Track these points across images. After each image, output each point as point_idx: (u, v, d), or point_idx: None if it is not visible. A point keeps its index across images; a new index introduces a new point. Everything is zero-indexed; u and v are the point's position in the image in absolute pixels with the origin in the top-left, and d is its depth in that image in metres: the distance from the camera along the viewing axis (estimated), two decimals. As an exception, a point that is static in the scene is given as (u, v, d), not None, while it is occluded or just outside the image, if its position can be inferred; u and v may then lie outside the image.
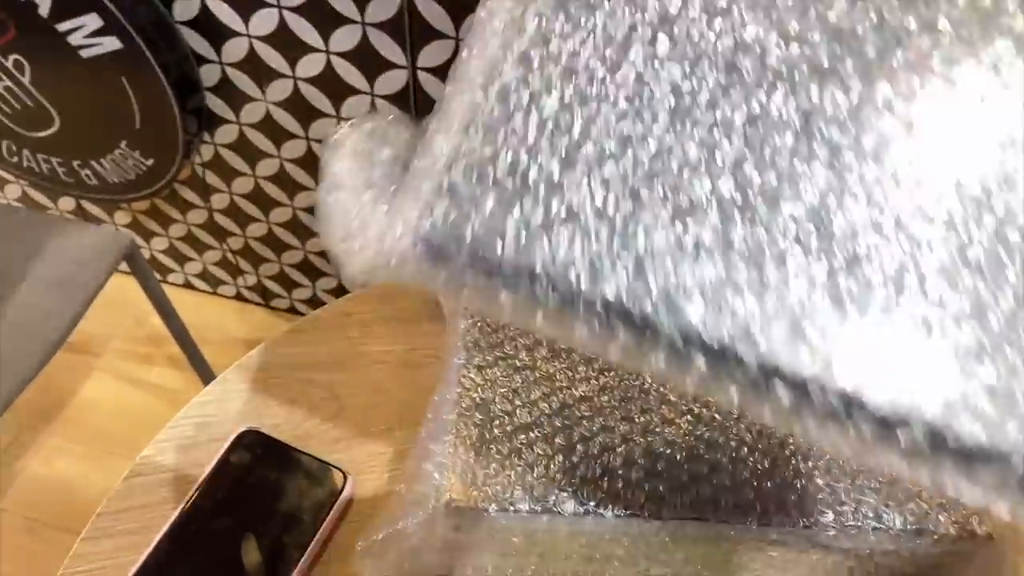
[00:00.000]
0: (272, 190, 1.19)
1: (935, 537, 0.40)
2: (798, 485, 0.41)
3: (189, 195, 1.25)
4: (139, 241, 1.40)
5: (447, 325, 0.48)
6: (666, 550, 0.41)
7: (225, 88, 1.05)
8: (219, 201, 1.25)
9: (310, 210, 1.20)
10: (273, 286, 1.39)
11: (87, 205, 1.36)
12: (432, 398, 0.44)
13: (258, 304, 1.45)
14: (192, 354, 1.15)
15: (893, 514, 0.40)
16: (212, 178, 1.21)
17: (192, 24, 0.98)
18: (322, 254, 1.28)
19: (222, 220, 1.28)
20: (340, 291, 1.35)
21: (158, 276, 1.46)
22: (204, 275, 1.43)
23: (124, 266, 0.98)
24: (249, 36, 0.97)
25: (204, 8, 0.96)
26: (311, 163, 1.12)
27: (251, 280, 1.39)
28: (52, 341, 0.88)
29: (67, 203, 1.37)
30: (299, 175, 1.14)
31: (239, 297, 1.45)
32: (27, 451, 1.25)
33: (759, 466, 0.41)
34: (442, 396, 0.44)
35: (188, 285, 1.46)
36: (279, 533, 0.45)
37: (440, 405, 0.44)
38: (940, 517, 0.40)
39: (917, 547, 0.40)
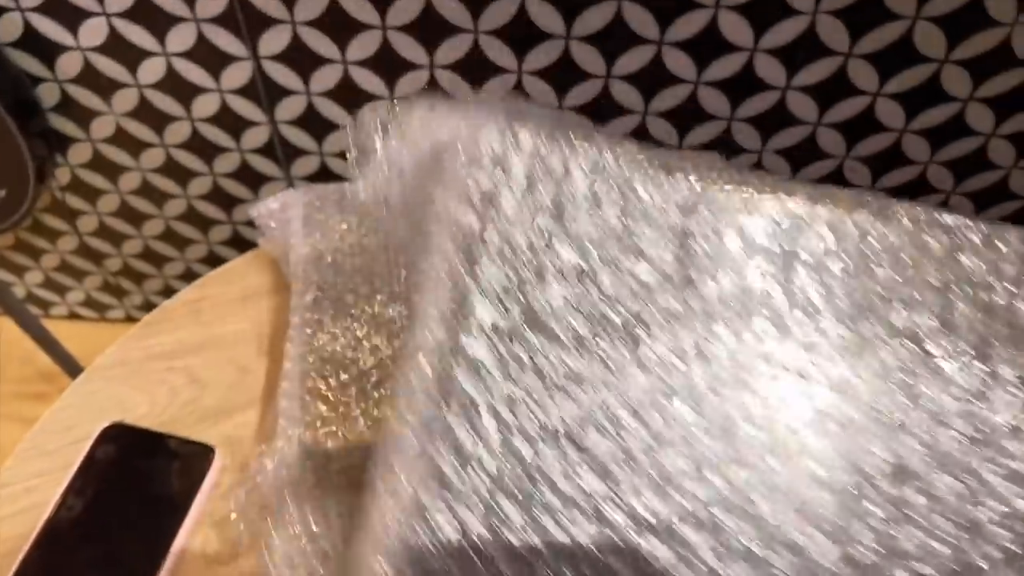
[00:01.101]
0: (140, 203, 1.16)
1: None
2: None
3: (54, 222, 1.22)
4: (10, 278, 1.35)
5: (292, 288, 0.50)
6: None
7: (67, 106, 1.02)
8: (87, 224, 1.21)
9: (183, 217, 1.18)
10: (161, 302, 1.36)
11: (-53, 250, 1.30)
12: (284, 363, 0.46)
13: (150, 323, 1.41)
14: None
15: None
16: (75, 201, 1.17)
17: (19, 44, 0.95)
18: (206, 261, 1.27)
19: (95, 243, 1.25)
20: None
21: (39, 311, 1.41)
22: (89, 302, 1.39)
23: (-10, 302, 0.95)
24: (81, 49, 0.95)
25: (28, 25, 0.93)
26: (174, 170, 1.10)
27: (138, 299, 1.36)
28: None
29: (-74, 251, 1.31)
30: (164, 183, 1.12)
31: (129, 319, 1.41)
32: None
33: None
34: (290, 353, 0.46)
35: (74, 315, 1.42)
36: (154, 515, 0.46)
37: (289, 366, 0.46)
38: None
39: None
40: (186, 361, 0.54)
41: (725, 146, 1.00)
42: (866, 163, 1.00)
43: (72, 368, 1.12)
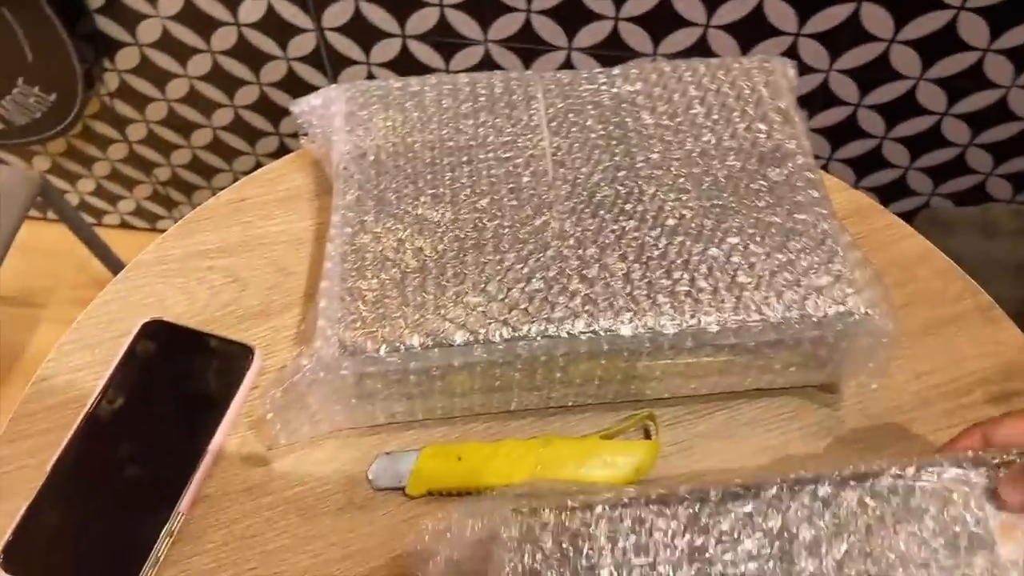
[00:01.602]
0: (188, 112, 1.15)
1: (815, 320, 0.41)
2: (678, 288, 0.41)
3: (104, 129, 1.21)
4: (66, 186, 1.36)
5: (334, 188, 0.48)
6: (561, 370, 0.42)
7: (114, 8, 1.00)
8: (136, 132, 1.21)
9: (230, 128, 1.17)
10: (210, 214, 1.37)
11: (1, 154, 1.31)
12: (324, 263, 0.44)
13: (199, 235, 1.42)
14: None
15: (772, 304, 0.41)
16: (124, 108, 1.17)
17: (65, -59, 0.93)
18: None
19: (144, 151, 1.25)
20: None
21: (93, 220, 1.43)
22: (139, 212, 1.40)
23: (53, 215, 0.95)
24: (126, -54, 0.92)
25: (73, -79, 0.91)
26: (220, 78, 1.08)
27: (187, 211, 1.37)
28: (-23, 287, 0.86)
29: (-18, 156, 1.32)
30: (211, 92, 1.11)
31: (179, 230, 1.42)
32: (-11, 408, 1.25)
33: (643, 274, 0.42)
34: (331, 254, 0.44)
35: (125, 225, 1.44)
36: (194, 410, 0.45)
37: (330, 265, 0.44)
38: (817, 301, 0.41)
39: (800, 333, 0.41)
40: (227, 260, 0.52)
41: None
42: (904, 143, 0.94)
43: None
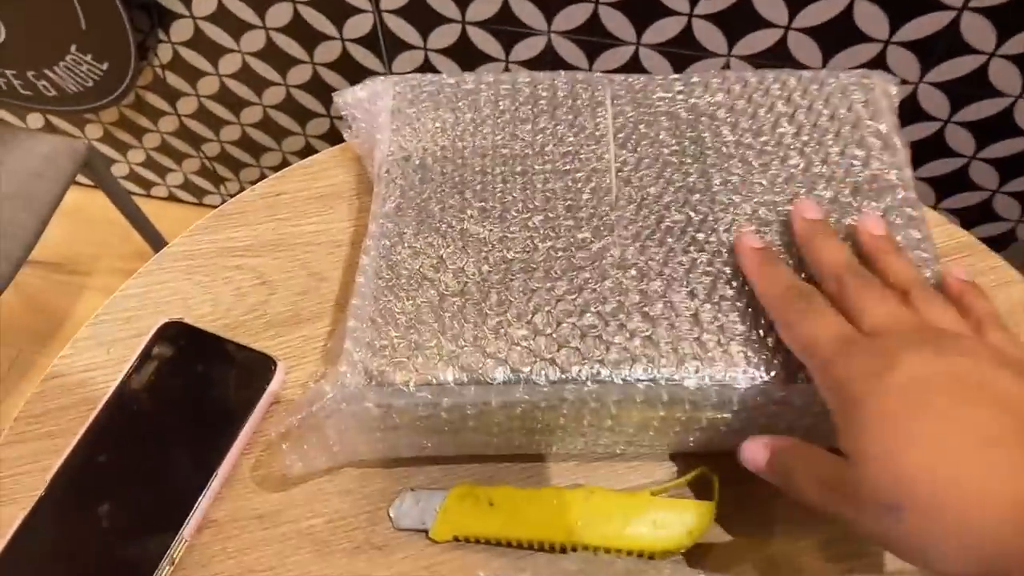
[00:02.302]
0: (239, 88, 1.13)
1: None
2: (753, 336, 0.36)
3: (156, 101, 1.20)
4: (116, 156, 1.35)
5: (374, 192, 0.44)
6: (612, 417, 0.37)
7: (170, -23, 0.98)
8: (187, 105, 1.19)
9: (281, 107, 1.14)
10: (257, 192, 1.35)
11: (55, 120, 1.31)
12: (357, 276, 0.40)
13: (245, 212, 1.41)
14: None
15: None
16: (176, 81, 1.15)
17: (124, -93, 0.91)
18: (300, 153, 1.23)
19: (194, 125, 1.23)
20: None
21: (142, 191, 1.43)
22: (187, 186, 1.39)
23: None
24: (185, -86, 0.89)
25: None
26: (273, 55, 1.05)
27: (234, 188, 1.35)
28: (16, 256, 0.85)
29: (35, 120, 1.32)
30: (263, 69, 1.08)
31: (225, 207, 1.41)
32: (28, 372, 1.25)
33: (714, 316, 0.37)
34: (365, 268, 0.40)
35: (173, 198, 1.43)
36: (207, 425, 0.42)
37: (362, 280, 0.40)
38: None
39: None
40: (257, 260, 0.49)
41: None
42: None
43: (158, 245, 1.12)
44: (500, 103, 0.45)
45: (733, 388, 0.35)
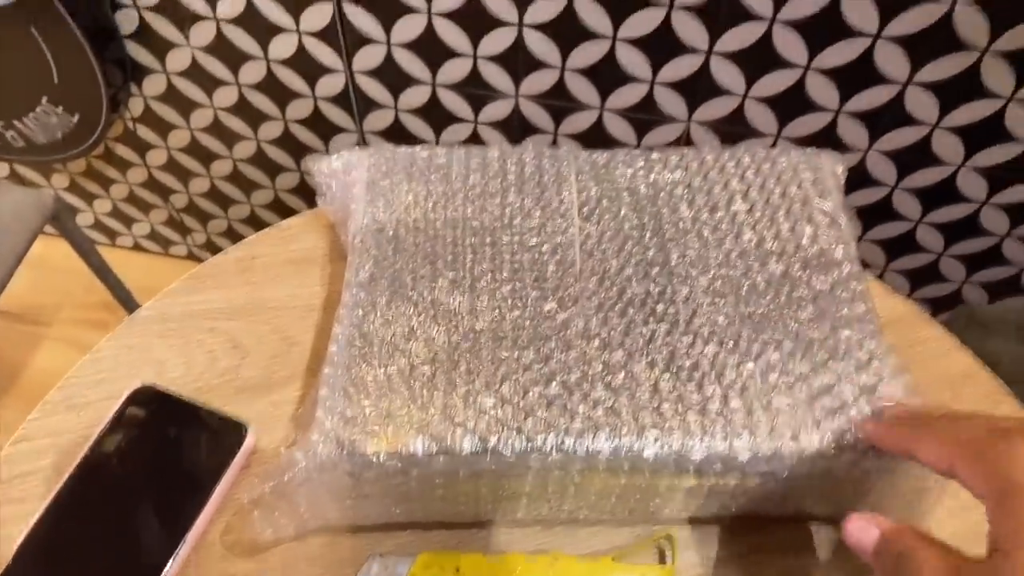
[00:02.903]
0: (210, 142, 1.14)
1: (855, 453, 0.37)
2: (710, 407, 0.38)
3: (125, 152, 1.20)
4: (82, 205, 1.35)
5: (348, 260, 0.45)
6: (576, 484, 0.39)
7: (145, 34, 0.99)
8: (157, 157, 1.20)
9: (251, 160, 1.15)
10: (224, 243, 1.35)
11: (22, 170, 1.30)
12: (330, 347, 0.41)
13: (211, 263, 1.41)
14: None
15: (809, 432, 0.37)
16: (146, 133, 1.15)
17: (102, -33, 0.93)
18: (270, 207, 1.24)
19: (163, 177, 1.23)
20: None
21: (107, 240, 1.42)
22: (153, 236, 1.38)
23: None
24: (162, -24, 0.92)
25: (111, -52, 0.90)
26: (245, 111, 1.07)
27: (200, 239, 1.35)
28: (-23, 310, 0.84)
29: (0, 169, 1.32)
30: (235, 124, 1.09)
31: (191, 256, 1.40)
32: (-18, 425, 1.22)
33: (673, 386, 0.39)
34: (337, 337, 0.41)
35: (138, 247, 1.42)
36: (177, 490, 0.42)
37: (335, 349, 0.41)
38: (859, 432, 0.38)
39: (835, 465, 0.38)
40: (230, 323, 0.50)
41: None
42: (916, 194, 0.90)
43: (123, 297, 1.11)
44: (471, 177, 0.47)
45: (690, 457, 0.37)
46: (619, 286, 0.43)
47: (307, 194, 1.19)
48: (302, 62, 0.97)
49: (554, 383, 0.39)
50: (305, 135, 1.08)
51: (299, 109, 1.04)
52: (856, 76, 0.83)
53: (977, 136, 0.86)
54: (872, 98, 0.85)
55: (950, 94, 0.82)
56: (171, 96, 1.07)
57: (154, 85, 1.06)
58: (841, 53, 0.81)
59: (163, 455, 0.44)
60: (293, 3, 0.90)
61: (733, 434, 0.37)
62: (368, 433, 0.37)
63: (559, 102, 0.94)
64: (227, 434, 0.44)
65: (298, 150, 1.11)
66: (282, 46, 0.96)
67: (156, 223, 1.34)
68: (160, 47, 1.01)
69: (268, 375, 0.47)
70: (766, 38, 0.81)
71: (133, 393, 0.45)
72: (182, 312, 0.50)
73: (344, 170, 0.48)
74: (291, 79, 1.00)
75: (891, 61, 0.80)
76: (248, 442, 0.44)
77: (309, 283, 0.51)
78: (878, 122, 0.87)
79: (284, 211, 1.24)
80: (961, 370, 0.50)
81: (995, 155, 0.87)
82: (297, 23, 0.92)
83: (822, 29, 0.79)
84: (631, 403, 0.38)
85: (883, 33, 0.78)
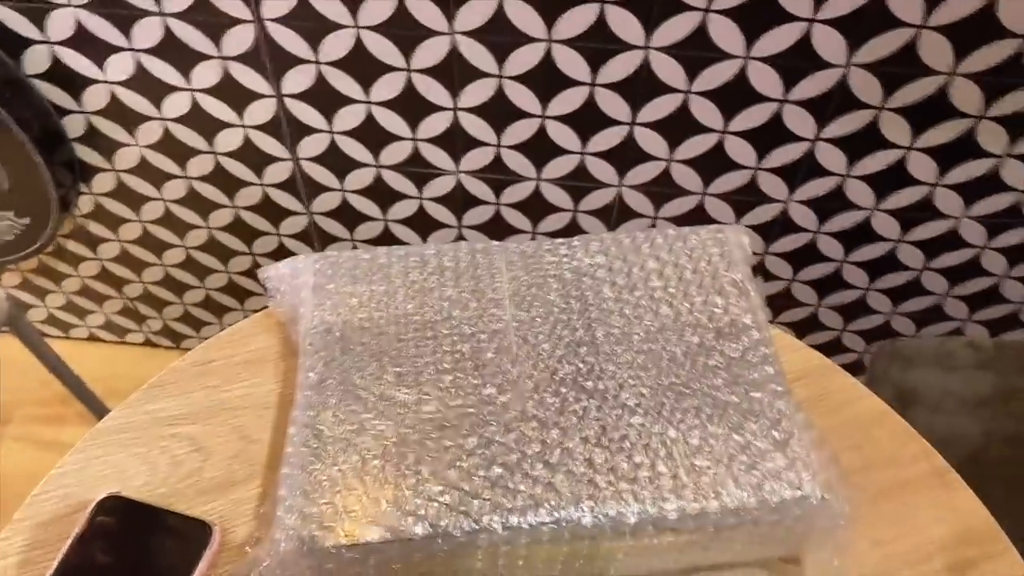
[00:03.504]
0: (162, 232, 1.16)
1: (772, 505, 0.41)
2: (640, 475, 0.42)
3: (77, 248, 1.22)
4: (34, 300, 1.35)
5: (298, 361, 0.48)
6: (523, 557, 0.42)
7: (93, 137, 1.02)
8: (108, 251, 1.21)
9: (203, 247, 1.18)
10: (181, 327, 1.36)
11: (-28, 271, 1.31)
12: (287, 448, 0.44)
13: (168, 347, 1.42)
14: (96, 407, 1.13)
15: (730, 489, 0.41)
16: (97, 228, 1.17)
17: (47, 76, 0.96)
18: (225, 289, 1.26)
19: (116, 269, 1.25)
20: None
21: (60, 333, 1.42)
22: (108, 326, 1.39)
23: (6, 333, 0.94)
24: (107, 82, 0.95)
25: (55, 59, 0.93)
26: (195, 201, 1.10)
27: (156, 325, 1.36)
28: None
29: (-49, 271, 1.32)
30: (185, 214, 1.12)
31: (148, 343, 1.41)
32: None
33: (605, 458, 0.42)
34: (293, 438, 0.44)
35: (94, 338, 1.43)
36: (147, 596, 0.44)
37: (291, 450, 0.44)
38: (774, 485, 0.42)
39: (758, 517, 0.42)
40: (190, 427, 0.52)
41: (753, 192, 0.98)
42: (895, 215, 0.97)
43: (81, 392, 1.12)
44: (410, 275, 0.51)
45: (625, 522, 0.41)
46: (552, 367, 0.47)
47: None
48: (249, 153, 1.01)
49: (496, 465, 0.42)
50: (255, 220, 1.11)
51: (248, 197, 1.08)
52: (769, 135, 0.89)
53: (887, 181, 0.93)
54: (786, 154, 0.91)
55: (857, 145, 0.89)
56: (121, 192, 1.10)
57: (103, 183, 1.09)
58: (752, 117, 0.88)
59: (133, 561, 0.46)
60: (237, 101, 0.94)
61: (661, 498, 0.41)
62: (326, 528, 0.40)
63: (498, 175, 0.99)
64: (194, 535, 0.47)
65: (249, 235, 1.14)
66: (228, 140, 1.00)
67: (110, 313, 1.35)
68: (108, 147, 1.04)
69: (230, 474, 0.50)
70: (684, 107, 0.87)
71: (99, 503, 0.47)
72: (143, 420, 0.53)
73: (292, 275, 0.52)
74: (239, 169, 1.04)
75: (799, 121, 0.87)
76: (214, 542, 0.46)
77: (264, 382, 0.54)
78: (795, 174, 0.94)
79: (238, 293, 1.26)
80: (871, 414, 0.55)
81: (903, 198, 0.94)
82: (242, 117, 0.96)
83: (735, 95, 0.86)
84: (568, 478, 0.42)
85: (788, 97, 0.85)
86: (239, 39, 0.88)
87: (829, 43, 0.79)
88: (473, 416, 0.44)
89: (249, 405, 0.53)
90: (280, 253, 1.16)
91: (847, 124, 0.87)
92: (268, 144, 0.99)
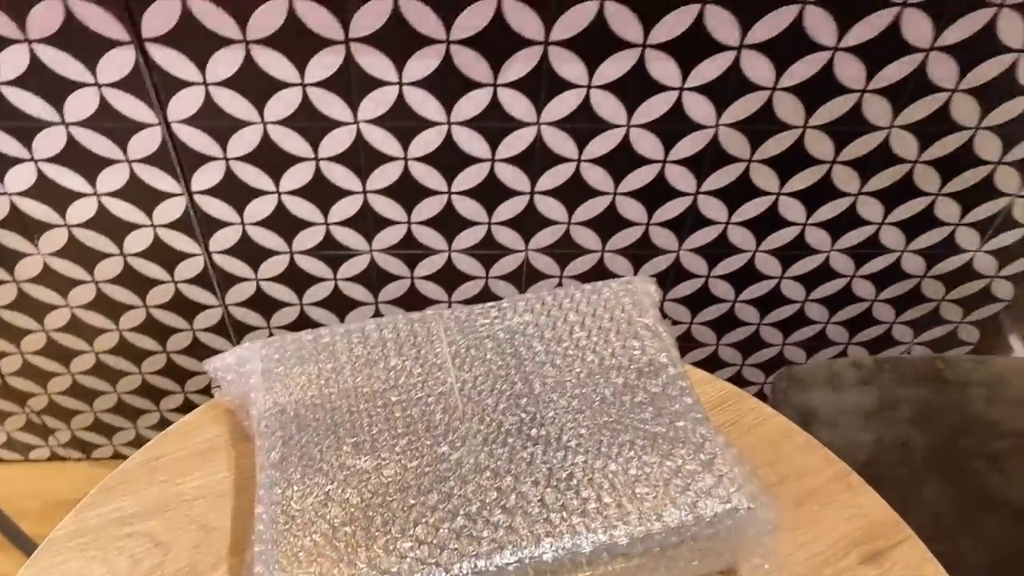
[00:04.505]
0: (68, 340, 1.14)
1: (708, 520, 0.47)
2: (588, 507, 0.46)
3: (-26, 365, 1.17)
4: (-75, 426, 1.27)
5: (255, 444, 0.50)
6: (492, 599, 0.45)
7: (-9, 249, 1.00)
8: (9, 365, 1.17)
9: (115, 351, 1.16)
10: (91, 436, 1.31)
11: None
12: (256, 524, 0.46)
13: (78, 459, 1.36)
14: (8, 531, 1.07)
15: (670, 510, 0.46)
16: (-3, 342, 1.14)
17: (-60, 192, 0.94)
18: (139, 392, 1.23)
19: (17, 383, 1.20)
20: (166, 425, 1.29)
21: (-44, 458, 1.34)
22: (9, 444, 1.32)
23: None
24: (7, 194, 0.94)
25: (-50, 175, 0.92)
26: (104, 304, 1.08)
27: (64, 437, 1.31)
28: None
29: None
30: (94, 319, 1.10)
31: (55, 457, 1.35)
32: None
33: (556, 497, 0.47)
34: (262, 516, 0.46)
35: (-7, 459, 1.35)
36: None
37: (261, 528, 0.46)
38: (707, 502, 0.47)
39: (697, 532, 0.47)
40: (146, 524, 0.53)
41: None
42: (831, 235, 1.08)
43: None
44: (354, 350, 0.54)
45: (581, 553, 0.45)
46: (497, 420, 0.51)
47: (177, 375, 1.20)
48: (159, 252, 1.02)
49: (459, 516, 0.45)
50: (168, 317, 1.11)
51: (160, 295, 1.08)
52: (656, 193, 0.98)
53: (763, 225, 1.03)
54: (673, 209, 1.00)
55: (734, 197, 0.99)
56: (22, 303, 1.07)
57: (3, 295, 1.06)
58: (640, 177, 0.96)
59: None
60: (145, 201, 0.95)
61: (611, 526, 0.46)
62: (307, 597, 0.42)
63: (410, 251, 1.04)
64: (164, 630, 0.47)
65: (162, 333, 1.13)
66: (138, 240, 1.00)
67: (12, 430, 1.29)
68: (8, 259, 1.02)
69: (193, 565, 0.51)
70: (577, 174, 0.95)
71: (63, 612, 0.47)
72: (97, 524, 0.53)
73: (239, 363, 0.54)
74: (150, 269, 1.04)
75: (681, 178, 0.97)
76: (187, 633, 0.47)
77: (217, 470, 0.56)
78: (682, 225, 1.03)
79: (153, 394, 1.23)
80: (780, 432, 0.61)
81: (778, 239, 1.05)
82: (151, 217, 0.97)
83: (622, 159, 0.94)
84: (525, 519, 0.46)
85: (669, 157, 0.94)
86: (146, 142, 0.90)
87: (699, 107, 0.89)
88: (431, 474, 0.48)
89: (204, 495, 0.54)
90: (195, 348, 1.16)
91: (723, 177, 0.97)
92: (179, 241, 1.00)
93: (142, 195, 0.95)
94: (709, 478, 0.48)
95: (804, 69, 0.86)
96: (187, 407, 1.27)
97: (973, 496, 0.78)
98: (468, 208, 0.99)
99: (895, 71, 0.87)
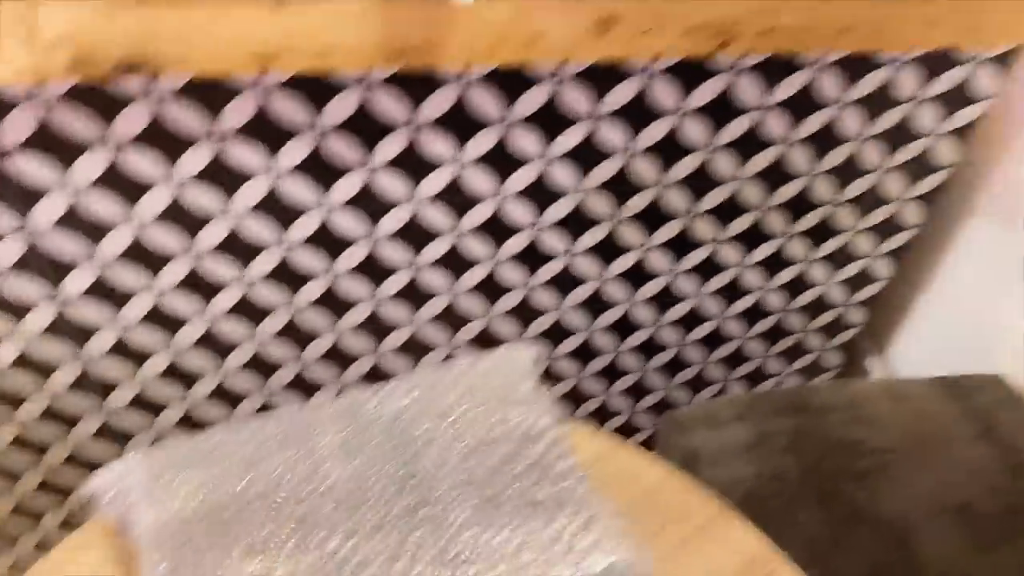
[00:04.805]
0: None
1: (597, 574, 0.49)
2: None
3: None
4: None
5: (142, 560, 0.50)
6: None
7: None
8: None
9: (-16, 470, 1.09)
10: (-37, 565, 1.22)
11: None
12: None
13: (-51, 592, 1.25)
14: None
15: (560, 570, 0.49)
16: None
17: None
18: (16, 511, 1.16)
19: None
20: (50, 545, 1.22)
21: None
22: None
23: None
24: None
25: None
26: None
27: (-68, 569, 1.21)
28: None
29: None
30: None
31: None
32: None
33: (451, 574, 0.48)
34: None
35: None
36: None
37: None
38: (595, 557, 0.50)
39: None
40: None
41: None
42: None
43: None
44: (240, 451, 0.55)
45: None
46: (386, 506, 0.52)
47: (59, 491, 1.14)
48: (30, 363, 0.98)
49: (354, 609, 0.46)
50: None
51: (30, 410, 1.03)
52: (532, 257, 1.03)
53: (635, 279, 1.10)
54: (549, 271, 1.06)
55: (607, 253, 1.05)
56: None
57: None
58: (517, 243, 1.01)
59: None
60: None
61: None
62: None
63: (297, 333, 1.04)
64: None
65: (36, 450, 1.08)
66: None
67: None
68: None
69: None
70: (453, 250, 0.99)
71: None
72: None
73: (120, 477, 0.54)
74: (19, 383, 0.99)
75: (554, 241, 1.02)
76: None
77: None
78: (563, 286, 1.08)
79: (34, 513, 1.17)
80: (659, 478, 0.65)
81: (648, 290, 1.12)
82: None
83: (496, 229, 0.99)
84: (422, 600, 0.47)
85: (540, 223, 1.00)
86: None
87: (564, 175, 0.95)
88: (326, 568, 0.48)
89: (92, 621, 0.53)
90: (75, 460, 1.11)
91: (594, 235, 1.03)
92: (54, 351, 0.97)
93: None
94: (591, 536, 0.51)
95: (656, 131, 0.94)
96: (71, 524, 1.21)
97: (843, 516, 0.85)
98: (350, 289, 1.00)
99: (736, 128, 0.96)
